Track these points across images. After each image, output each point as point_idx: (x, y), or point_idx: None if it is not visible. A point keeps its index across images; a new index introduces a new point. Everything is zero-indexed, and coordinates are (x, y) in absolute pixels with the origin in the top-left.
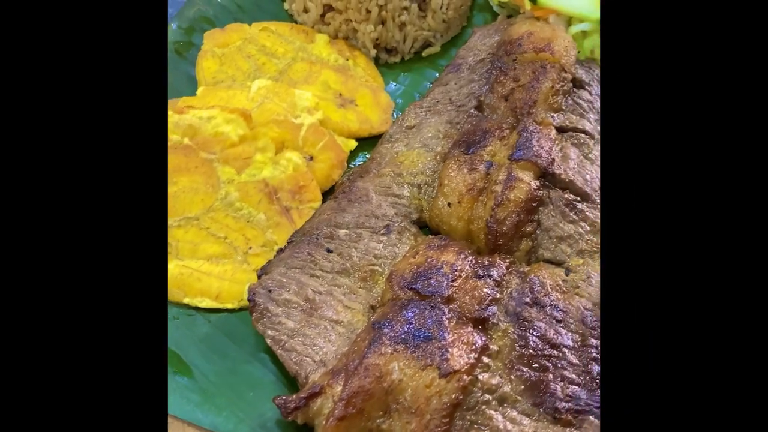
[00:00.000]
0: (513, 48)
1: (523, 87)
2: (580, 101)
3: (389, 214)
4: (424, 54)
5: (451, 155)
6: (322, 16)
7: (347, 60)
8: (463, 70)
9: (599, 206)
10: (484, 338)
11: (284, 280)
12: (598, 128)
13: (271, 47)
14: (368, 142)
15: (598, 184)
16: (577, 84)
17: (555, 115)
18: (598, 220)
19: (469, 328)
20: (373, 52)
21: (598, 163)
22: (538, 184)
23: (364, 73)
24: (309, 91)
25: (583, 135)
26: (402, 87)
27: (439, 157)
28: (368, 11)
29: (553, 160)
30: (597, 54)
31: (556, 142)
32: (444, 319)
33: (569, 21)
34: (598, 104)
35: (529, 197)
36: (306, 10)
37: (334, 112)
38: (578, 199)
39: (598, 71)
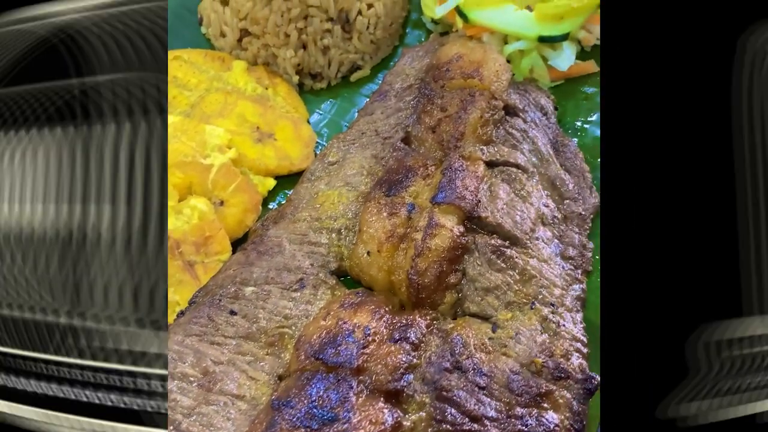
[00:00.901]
0: (441, 74)
1: (450, 118)
2: (513, 131)
3: (304, 266)
4: (352, 78)
5: (372, 197)
6: (240, 40)
7: (266, 89)
8: (390, 97)
9: (529, 250)
10: (396, 414)
11: (181, 350)
12: (533, 159)
13: (183, 78)
14: (288, 180)
15: (530, 224)
16: (510, 111)
17: (484, 147)
18: (528, 267)
19: (380, 403)
20: (296, 78)
21: (531, 199)
22: (461, 229)
23: (285, 102)
24: (223, 125)
25: (514, 169)
26: (328, 116)
27: (362, 197)
28: (287, 35)
29: (479, 201)
30: (537, 73)
31: (485, 178)
32: (351, 394)
33: (505, 39)
34: (533, 132)
35: (452, 245)
36: (223, 35)
37: (251, 148)
38: (506, 244)
39: (535, 94)
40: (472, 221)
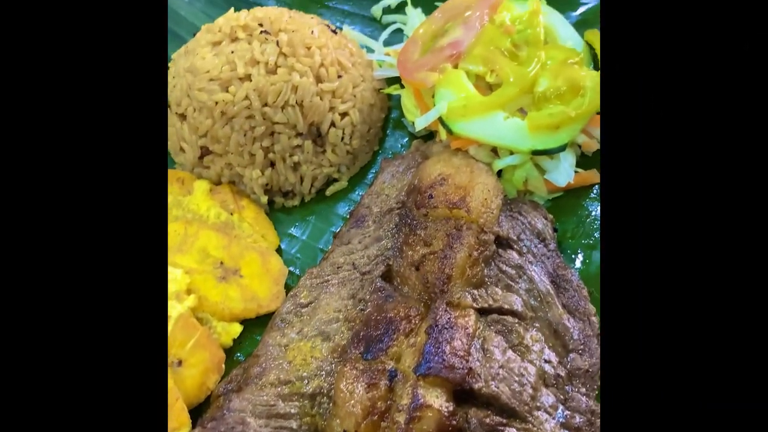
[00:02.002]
0: (423, 199)
1: (435, 255)
2: (507, 268)
3: None
4: (328, 192)
5: (347, 358)
6: (201, 158)
7: (231, 214)
8: (368, 223)
9: (530, 425)
10: None
11: None
12: (532, 301)
13: None
14: (257, 323)
15: (530, 391)
16: (503, 242)
17: (475, 291)
18: None
19: None
20: (264, 198)
21: (531, 356)
22: (451, 408)
23: (252, 230)
24: (183, 262)
25: (510, 318)
26: (302, 239)
27: (338, 350)
28: (252, 155)
29: (470, 369)
30: (532, 185)
31: (477, 333)
32: None
33: (495, 149)
34: (530, 267)
35: (441, 428)
36: (182, 150)
37: (213, 289)
38: (503, 421)
39: (530, 216)
40: (464, 393)
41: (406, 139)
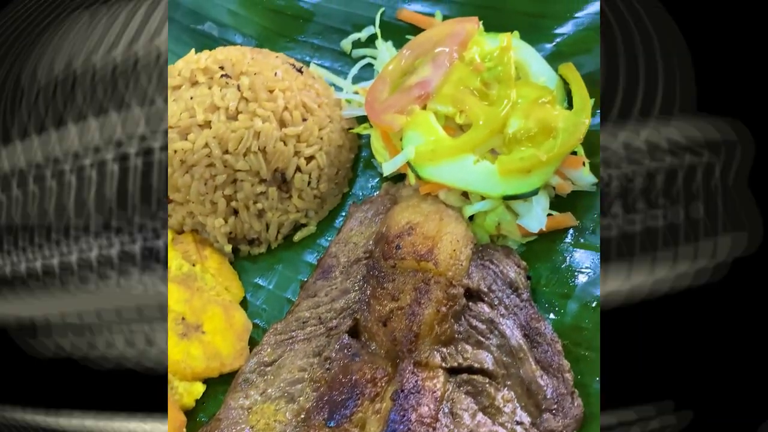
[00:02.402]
0: (391, 250)
1: (403, 311)
2: (477, 323)
3: None
4: (296, 238)
5: (311, 424)
6: None
7: (194, 265)
8: (336, 274)
9: None
10: None
11: None
12: (504, 357)
13: None
14: (220, 382)
15: None
16: (473, 295)
17: (444, 349)
18: None
19: None
20: (228, 247)
21: (502, 418)
22: None
23: (215, 282)
24: None
25: (480, 378)
26: (268, 288)
27: (303, 414)
28: (214, 203)
29: None
30: (505, 229)
31: (445, 397)
32: None
33: (464, 193)
34: (501, 320)
35: None
36: None
37: (174, 347)
38: None
39: (502, 265)
40: None
41: (377, 179)
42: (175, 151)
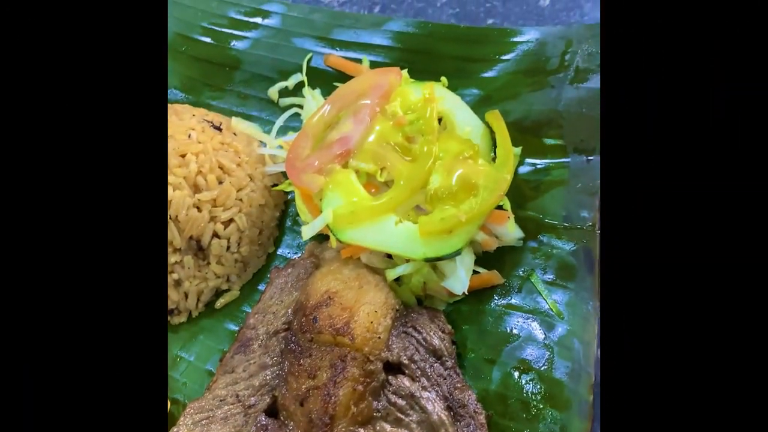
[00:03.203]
0: (308, 323)
1: (319, 391)
2: (397, 399)
3: None
4: (218, 305)
5: None
6: None
7: None
8: (254, 348)
9: None
10: None
11: None
12: None
13: None
14: None
15: None
16: (393, 368)
17: (362, 430)
18: None
19: None
20: None
21: None
22: None
23: None
24: None
25: None
26: (190, 359)
27: None
28: None
29: None
30: (432, 288)
31: None
32: None
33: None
34: (423, 394)
35: None
36: None
37: None
38: None
39: (425, 332)
40: None
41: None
42: None
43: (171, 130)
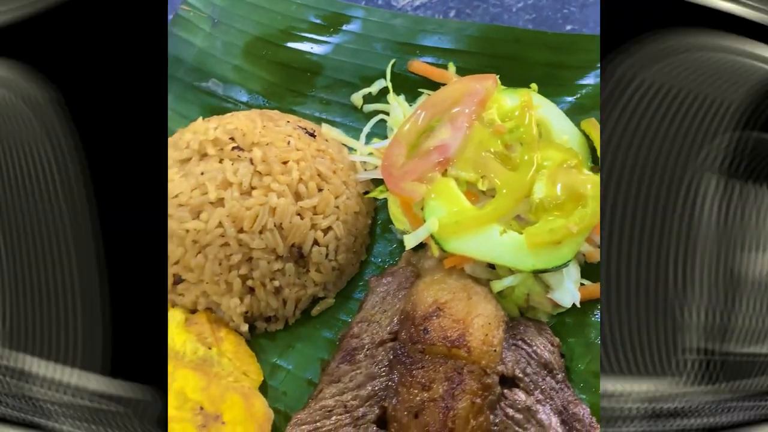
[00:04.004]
0: (418, 333)
1: (435, 403)
2: (514, 412)
3: None
4: (314, 313)
5: None
6: (175, 284)
7: (209, 348)
8: (359, 358)
9: None
10: None
11: None
12: None
13: None
14: None
15: None
16: (508, 381)
17: None
18: None
19: None
20: (245, 326)
21: None
22: None
23: (233, 366)
24: None
25: None
26: (288, 367)
27: None
28: (229, 283)
29: None
30: (535, 300)
31: None
32: None
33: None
34: (539, 408)
35: None
36: None
37: None
38: None
39: (535, 345)
40: None
41: (395, 245)
42: (187, 231)
43: (270, 137)
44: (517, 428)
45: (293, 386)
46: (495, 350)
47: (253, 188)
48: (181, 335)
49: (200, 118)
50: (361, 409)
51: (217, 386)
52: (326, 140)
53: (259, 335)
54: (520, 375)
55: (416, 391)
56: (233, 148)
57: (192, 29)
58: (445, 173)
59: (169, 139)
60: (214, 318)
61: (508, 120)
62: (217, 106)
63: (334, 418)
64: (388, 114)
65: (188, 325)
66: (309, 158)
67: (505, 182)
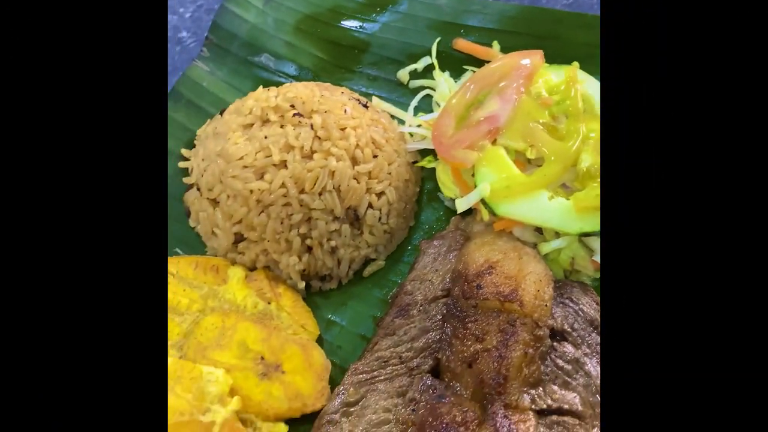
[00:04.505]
0: (471, 290)
1: (489, 353)
2: (563, 363)
3: None
4: (365, 273)
5: None
6: (235, 243)
7: (269, 303)
8: (413, 313)
9: None
10: None
11: None
12: (590, 398)
13: (173, 299)
14: (303, 422)
15: None
16: (557, 335)
17: (533, 391)
18: None
19: None
20: (302, 284)
21: None
22: None
23: (291, 320)
24: (222, 358)
25: (570, 420)
26: (342, 323)
27: None
28: (288, 241)
29: None
30: (579, 263)
31: None
32: None
33: (537, 228)
34: (586, 360)
35: None
36: (214, 235)
37: (255, 388)
38: None
39: (581, 303)
40: None
41: (442, 212)
42: (252, 191)
43: (327, 105)
44: (566, 378)
45: (347, 341)
46: (546, 305)
47: (313, 152)
48: (242, 290)
49: (260, 87)
50: (415, 360)
51: (276, 338)
52: (377, 111)
53: (314, 294)
54: (569, 329)
55: (470, 342)
56: (294, 115)
57: (245, 5)
58: (494, 142)
59: (231, 106)
60: (272, 275)
61: (555, 94)
62: (268, 80)
63: (389, 368)
64: (433, 90)
65: (248, 281)
66: (364, 126)
67: (552, 151)
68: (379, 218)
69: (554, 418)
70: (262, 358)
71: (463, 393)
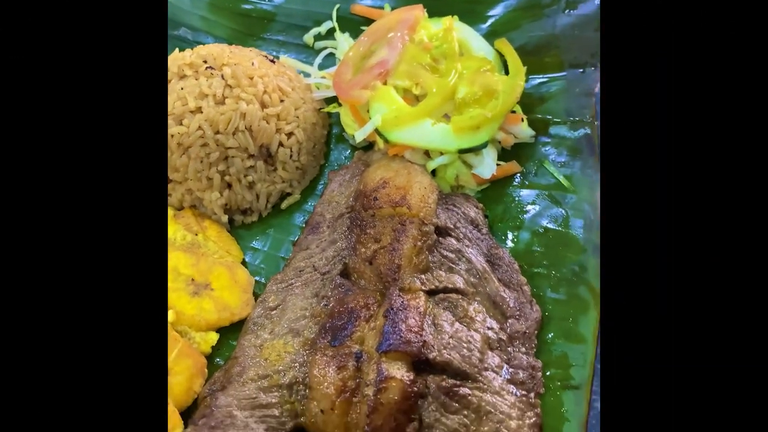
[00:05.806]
0: (369, 202)
1: (385, 249)
2: (447, 253)
3: None
4: (283, 206)
5: (318, 347)
6: None
7: (196, 235)
8: (323, 229)
9: (481, 383)
10: None
11: None
12: (472, 279)
13: None
14: (232, 330)
15: (478, 354)
16: (442, 231)
17: (422, 276)
18: (482, 403)
19: None
20: (225, 217)
21: (475, 325)
22: (412, 376)
23: (217, 246)
24: None
25: (455, 295)
26: (264, 250)
27: (308, 344)
28: (210, 179)
29: (425, 341)
30: (463, 180)
31: (427, 312)
32: None
33: (427, 151)
34: (467, 249)
35: (404, 395)
36: None
37: (187, 304)
38: (458, 382)
39: (464, 207)
40: (421, 363)
41: (348, 151)
42: (172, 136)
43: (237, 59)
44: (450, 264)
45: (269, 262)
46: (431, 207)
47: (225, 98)
48: (171, 226)
49: (176, 49)
50: (326, 267)
51: (204, 262)
52: (284, 66)
53: (237, 227)
54: (452, 227)
55: (370, 244)
56: (207, 68)
57: None
58: (385, 83)
59: None
60: (198, 213)
61: (435, 40)
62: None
63: (305, 275)
64: (335, 49)
65: (176, 218)
66: (271, 76)
67: (433, 85)
68: (291, 155)
69: (441, 296)
70: (193, 280)
71: (368, 286)
